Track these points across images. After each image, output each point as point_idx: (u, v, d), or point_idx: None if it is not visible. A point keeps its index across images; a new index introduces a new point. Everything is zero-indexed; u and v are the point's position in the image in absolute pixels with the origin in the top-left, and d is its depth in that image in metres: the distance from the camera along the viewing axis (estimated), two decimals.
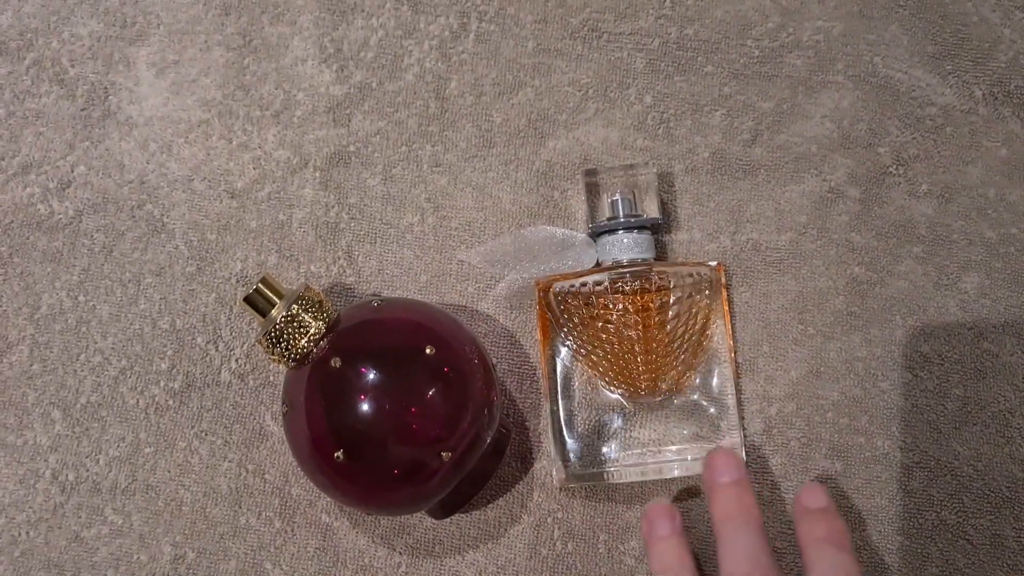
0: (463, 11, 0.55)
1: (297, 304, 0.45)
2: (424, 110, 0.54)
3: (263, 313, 0.45)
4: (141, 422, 0.51)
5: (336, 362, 0.44)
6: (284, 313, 0.45)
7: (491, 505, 0.51)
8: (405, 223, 0.53)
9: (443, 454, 0.44)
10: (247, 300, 0.45)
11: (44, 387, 0.51)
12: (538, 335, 0.51)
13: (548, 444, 0.50)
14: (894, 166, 0.54)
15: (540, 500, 0.51)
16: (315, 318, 0.45)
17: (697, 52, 0.55)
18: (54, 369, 0.51)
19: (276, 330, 0.45)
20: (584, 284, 0.49)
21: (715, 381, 0.51)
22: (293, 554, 0.50)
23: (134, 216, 0.53)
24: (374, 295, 0.52)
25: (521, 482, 0.51)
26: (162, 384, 0.51)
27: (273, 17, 0.55)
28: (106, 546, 0.49)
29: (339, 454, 0.43)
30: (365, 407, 0.44)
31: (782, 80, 0.55)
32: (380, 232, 0.53)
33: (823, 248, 0.53)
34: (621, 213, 0.50)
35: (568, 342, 0.50)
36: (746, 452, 0.50)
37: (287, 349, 0.45)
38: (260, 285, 0.46)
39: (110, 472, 0.50)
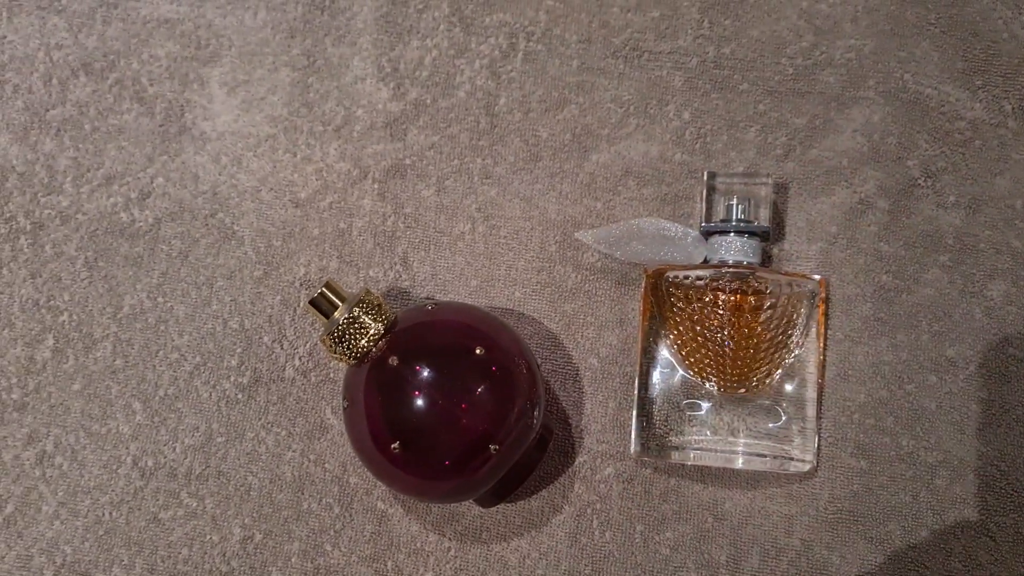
0: (512, 32, 0.58)
1: (358, 307, 0.49)
2: (475, 125, 0.58)
3: (326, 315, 0.49)
4: (213, 414, 0.55)
5: (393, 360, 0.48)
6: (346, 315, 0.49)
7: (535, 496, 0.54)
8: (457, 231, 0.57)
9: (491, 447, 0.47)
10: (312, 303, 0.49)
11: (126, 381, 0.55)
12: (639, 317, 0.54)
13: (631, 416, 0.54)
14: (923, 178, 0.56)
15: (580, 492, 0.54)
16: (374, 320, 0.49)
17: (733, 70, 0.58)
18: (135, 364, 0.56)
19: (339, 331, 0.49)
20: (687, 277, 0.52)
21: (799, 388, 0.53)
22: (351, 538, 0.54)
23: (207, 224, 0.57)
24: (428, 299, 0.56)
25: (563, 475, 0.54)
26: (232, 379, 0.55)
27: (335, 39, 0.59)
28: (181, 527, 0.54)
29: (395, 445, 0.47)
30: (420, 402, 0.47)
31: (815, 97, 0.57)
32: (434, 240, 0.57)
33: (852, 257, 0.56)
34: (734, 217, 0.53)
35: (665, 328, 0.53)
36: (818, 461, 0.54)
37: (348, 348, 0.49)
38: (324, 289, 0.49)
39: (185, 459, 0.55)
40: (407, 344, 0.49)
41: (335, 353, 0.49)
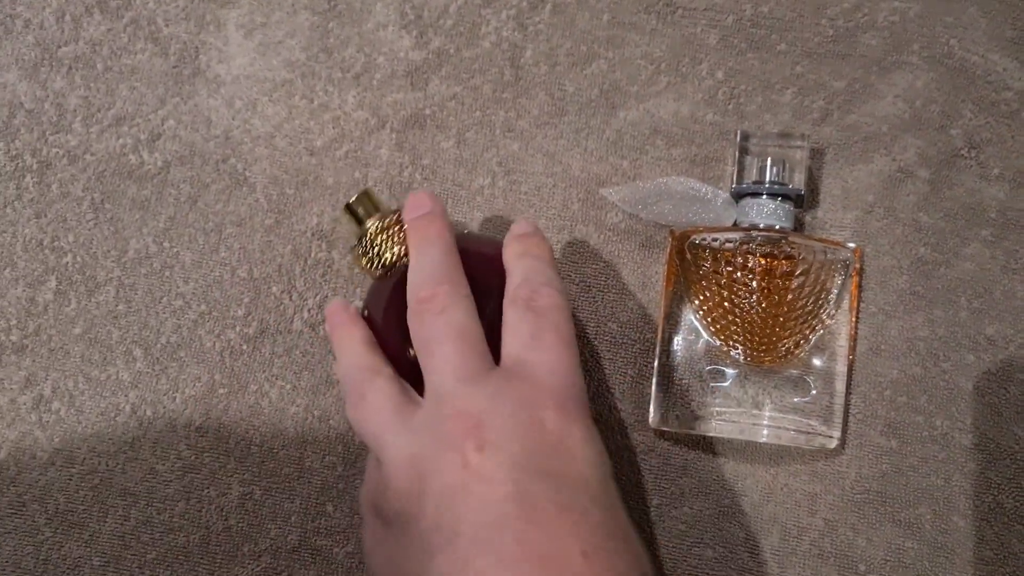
0: None
1: (392, 216, 0.47)
2: (499, 77, 0.55)
3: (360, 222, 0.49)
4: (216, 364, 0.53)
5: None
6: (379, 224, 0.47)
7: None
8: (476, 185, 0.55)
9: None
10: (348, 208, 0.49)
11: (128, 326, 0.54)
12: (663, 281, 0.52)
13: (651, 385, 0.51)
14: (966, 149, 0.54)
15: None
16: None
17: (771, 30, 0.55)
18: (138, 310, 0.54)
19: (369, 238, 0.48)
20: (716, 239, 0.50)
21: (829, 362, 0.51)
22: (353, 498, 0.52)
23: (218, 169, 0.55)
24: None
25: None
26: (238, 329, 0.53)
27: None
28: (178, 479, 0.52)
29: (412, 351, 0.45)
30: None
31: (856, 60, 0.55)
32: (451, 193, 0.54)
33: (889, 227, 0.53)
34: (767, 179, 0.51)
35: (690, 293, 0.51)
36: (845, 439, 0.51)
37: (377, 256, 0.47)
38: (363, 195, 0.49)
39: (185, 410, 0.53)
40: None
41: (362, 262, 0.48)
